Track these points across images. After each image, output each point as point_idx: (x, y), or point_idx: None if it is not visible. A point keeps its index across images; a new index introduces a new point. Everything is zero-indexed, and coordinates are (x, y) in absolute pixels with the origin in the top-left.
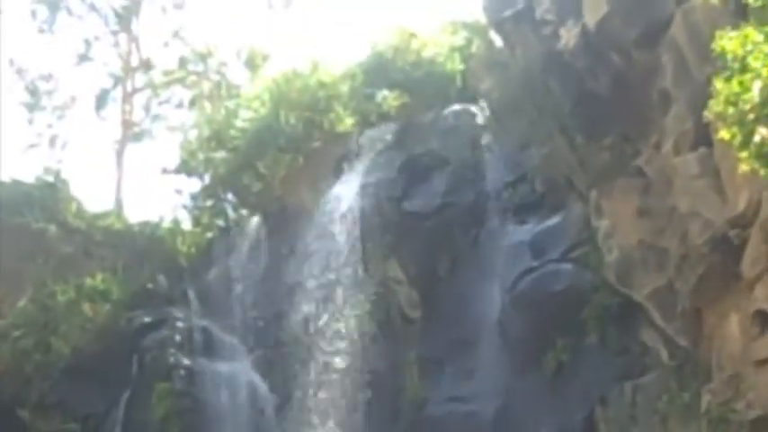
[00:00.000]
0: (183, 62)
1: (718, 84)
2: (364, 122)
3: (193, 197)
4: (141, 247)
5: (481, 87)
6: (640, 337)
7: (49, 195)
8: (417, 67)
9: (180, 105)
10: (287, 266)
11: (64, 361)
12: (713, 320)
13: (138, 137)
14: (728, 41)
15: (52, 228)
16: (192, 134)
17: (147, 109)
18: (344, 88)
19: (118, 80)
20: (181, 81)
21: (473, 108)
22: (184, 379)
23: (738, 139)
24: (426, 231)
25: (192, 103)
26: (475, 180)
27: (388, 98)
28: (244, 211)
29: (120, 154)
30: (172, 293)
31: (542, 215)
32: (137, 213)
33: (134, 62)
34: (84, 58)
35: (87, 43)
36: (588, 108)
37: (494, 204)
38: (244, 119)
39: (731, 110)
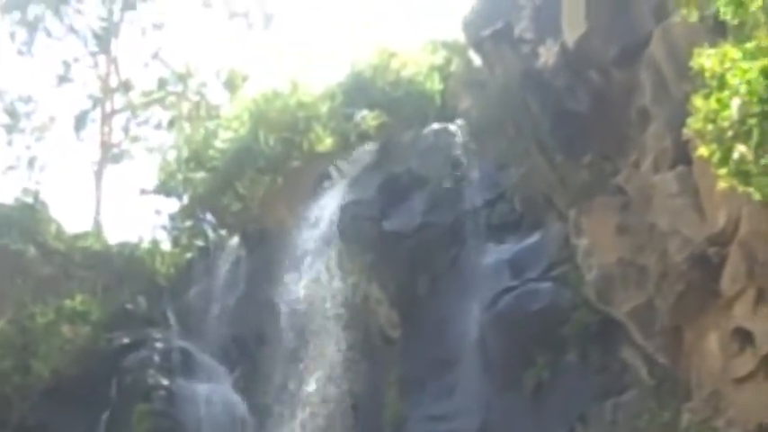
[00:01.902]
0: (162, 83)
1: (697, 101)
2: (344, 143)
3: (172, 218)
4: (120, 268)
5: (460, 106)
6: (620, 354)
7: (28, 217)
8: (397, 87)
9: (159, 126)
10: (266, 286)
11: (43, 383)
12: (693, 338)
13: (116, 158)
14: (707, 59)
15: (31, 249)
16: (171, 155)
17: (126, 130)
18: (324, 108)
19: (97, 101)
20: (160, 102)
21: (452, 127)
22: (164, 400)
23: (717, 156)
24: (406, 251)
25: (171, 123)
26: (454, 199)
27: (367, 118)
28: (223, 232)
29: (98, 175)
30: (151, 314)
31: (522, 234)
32: (116, 234)
33: (113, 83)
34: (63, 79)
35: (66, 65)
36: (567, 126)
37: (473, 223)
38: (223, 139)
39: (710, 127)
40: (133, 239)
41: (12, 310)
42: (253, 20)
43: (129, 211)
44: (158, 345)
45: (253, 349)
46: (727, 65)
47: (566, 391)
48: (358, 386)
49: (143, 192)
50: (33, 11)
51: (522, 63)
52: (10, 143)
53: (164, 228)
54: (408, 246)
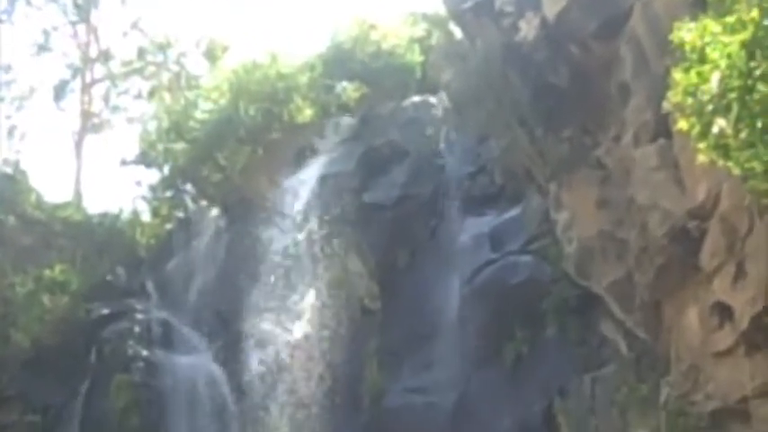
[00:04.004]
0: (142, 53)
1: (677, 75)
2: (324, 114)
3: (153, 188)
4: (100, 239)
5: (441, 79)
6: (599, 329)
7: (8, 187)
8: (377, 59)
9: (139, 96)
10: (246, 258)
11: (23, 353)
12: (672, 312)
13: (97, 128)
14: (687, 33)
15: (11, 219)
16: (152, 125)
17: (106, 100)
18: (304, 79)
19: (77, 71)
20: (140, 72)
21: (433, 99)
22: (143, 370)
23: (697, 129)
24: (386, 223)
25: (152, 94)
26: (434, 172)
27: (347, 89)
28: (203, 203)
29: (79, 145)
30: (131, 285)
31: (501, 207)
32: (96, 205)
33: (93, 53)
34: (42, 48)
35: (46, 34)
36: (547, 100)
37: (453, 196)
38: (203, 110)
39: (689, 101)
40: (113, 210)
41: None
42: None
43: (110, 182)
44: (138, 316)
45: (232, 320)
46: (708, 38)
47: (545, 364)
48: (337, 358)
49: (123, 162)
50: None
51: (502, 36)
52: None
53: (144, 198)
54: (388, 218)
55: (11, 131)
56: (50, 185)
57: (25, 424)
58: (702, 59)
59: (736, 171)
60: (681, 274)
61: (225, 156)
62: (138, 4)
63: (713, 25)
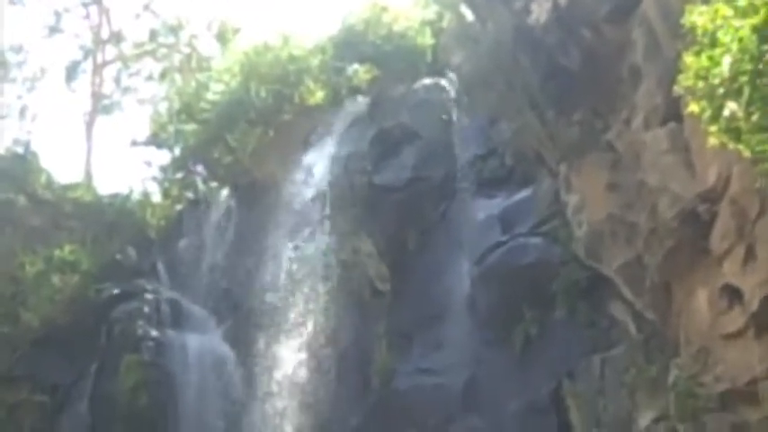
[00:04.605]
0: (153, 34)
1: (688, 58)
2: (335, 96)
3: (163, 169)
4: (111, 219)
5: (452, 61)
6: (609, 310)
7: (19, 167)
8: (388, 41)
9: (150, 78)
10: (256, 239)
11: (33, 332)
12: (682, 295)
13: (107, 109)
14: (699, 16)
15: (21, 199)
16: (162, 107)
17: (117, 81)
18: (315, 62)
19: (88, 52)
20: (151, 53)
21: (444, 82)
22: (153, 350)
23: (708, 113)
24: (396, 205)
25: (163, 75)
26: (445, 154)
27: (358, 72)
28: (213, 184)
29: (89, 126)
30: (141, 265)
31: (512, 189)
32: (106, 185)
33: (104, 34)
34: (54, 29)
35: (58, 15)
36: (558, 83)
37: (463, 178)
38: (214, 92)
39: (700, 84)
40: (124, 191)
41: (1, 260)
42: None
43: (120, 163)
44: (148, 296)
45: (242, 301)
46: (719, 22)
47: (554, 346)
48: (346, 339)
49: (134, 143)
50: None
51: (513, 19)
52: (1, 93)
53: (154, 179)
54: (398, 200)
55: (22, 112)
56: (61, 166)
57: (34, 403)
58: (714, 43)
59: (747, 154)
60: (690, 256)
61: (235, 137)
62: None
63: (725, 9)
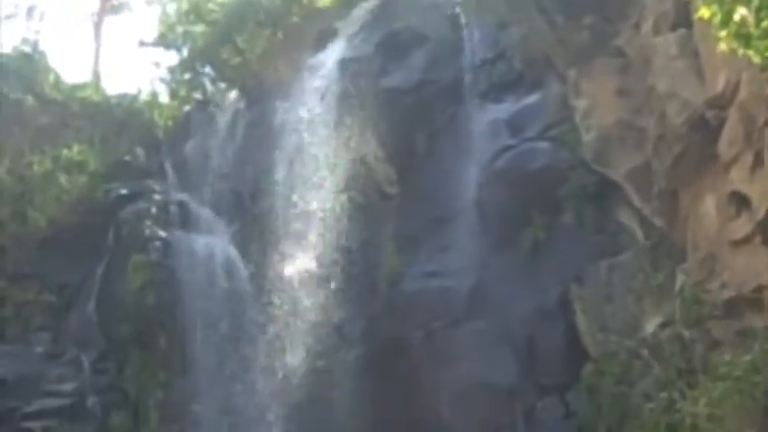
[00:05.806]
0: None
1: None
2: None
3: (171, 70)
4: (119, 119)
5: None
6: (616, 216)
7: (27, 66)
8: None
9: None
10: (264, 141)
11: (40, 232)
12: (689, 201)
13: (116, 9)
14: None
15: (29, 99)
16: (171, 7)
17: None
18: None
19: None
20: None
21: None
22: (160, 251)
23: (718, 18)
24: (404, 108)
25: None
26: (454, 57)
27: None
28: (222, 85)
29: (98, 26)
30: (149, 166)
31: (520, 93)
32: (115, 86)
33: None
34: None
35: None
36: None
37: (472, 82)
38: None
39: None
40: (132, 91)
41: (9, 159)
42: None
43: (128, 63)
44: (156, 196)
45: (249, 203)
46: None
47: (561, 250)
48: (353, 241)
49: (142, 44)
50: None
51: None
52: None
53: (162, 80)
54: (407, 103)
55: (30, 11)
56: (69, 66)
57: (41, 302)
58: None
59: (757, 60)
60: (698, 162)
61: (244, 39)
62: None
63: None
